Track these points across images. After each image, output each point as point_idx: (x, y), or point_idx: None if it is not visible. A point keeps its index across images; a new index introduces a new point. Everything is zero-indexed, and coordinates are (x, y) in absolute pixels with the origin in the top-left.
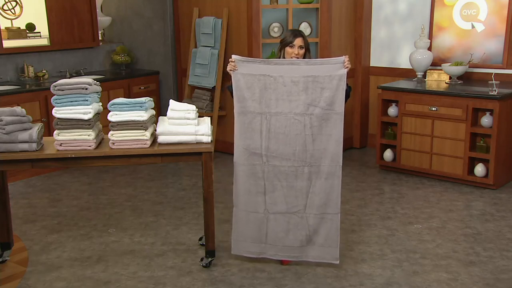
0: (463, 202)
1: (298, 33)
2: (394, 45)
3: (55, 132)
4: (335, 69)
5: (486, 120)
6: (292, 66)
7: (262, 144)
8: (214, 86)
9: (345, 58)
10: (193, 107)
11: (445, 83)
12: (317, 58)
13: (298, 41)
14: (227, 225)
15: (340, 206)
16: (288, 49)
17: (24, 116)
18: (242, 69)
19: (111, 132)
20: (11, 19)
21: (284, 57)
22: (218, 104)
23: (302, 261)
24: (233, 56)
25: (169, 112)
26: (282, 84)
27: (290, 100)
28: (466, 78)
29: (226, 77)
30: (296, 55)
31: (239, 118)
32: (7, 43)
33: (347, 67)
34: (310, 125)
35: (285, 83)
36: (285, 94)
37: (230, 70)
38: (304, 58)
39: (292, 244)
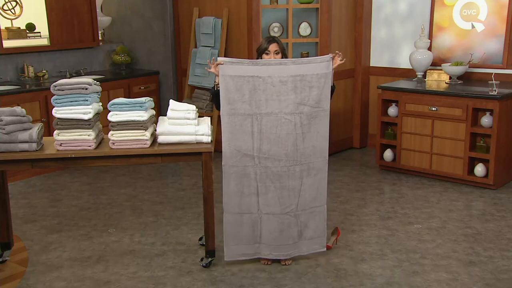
0: (463, 202)
1: (272, 39)
2: (394, 45)
3: (55, 132)
4: (321, 68)
5: (486, 120)
6: (280, 66)
7: (254, 145)
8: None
9: (331, 55)
10: (193, 107)
11: (445, 83)
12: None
13: (273, 47)
14: None
15: (326, 196)
16: (264, 56)
17: (24, 116)
18: (231, 71)
19: (111, 132)
20: (11, 19)
21: None
22: None
23: (299, 259)
24: (220, 58)
25: (169, 112)
26: (271, 84)
27: (279, 100)
28: (466, 78)
29: None
30: None
31: (229, 120)
32: (7, 43)
33: (342, 60)
34: (300, 124)
35: (274, 84)
36: (274, 94)
37: (214, 70)
38: None
39: (286, 243)
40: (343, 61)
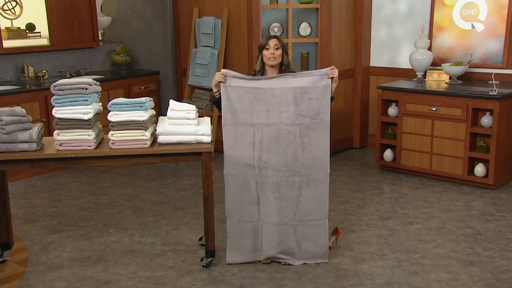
0: (463, 202)
1: (272, 36)
2: (394, 45)
3: (55, 132)
4: (320, 80)
5: (486, 120)
6: (281, 79)
7: (255, 155)
8: None
9: (329, 70)
10: (193, 107)
11: (445, 83)
12: (316, 58)
13: (273, 41)
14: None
15: (328, 211)
16: (264, 51)
17: (24, 116)
18: (233, 82)
19: (111, 132)
20: (11, 19)
21: (262, 62)
22: None
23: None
24: (225, 70)
25: (169, 112)
26: (272, 95)
27: (280, 111)
28: (466, 78)
29: None
30: (272, 54)
31: (231, 130)
32: (7, 43)
33: (332, 76)
34: (300, 135)
35: (274, 94)
36: (275, 105)
37: (220, 81)
38: (282, 59)
39: (284, 251)
40: (334, 76)
